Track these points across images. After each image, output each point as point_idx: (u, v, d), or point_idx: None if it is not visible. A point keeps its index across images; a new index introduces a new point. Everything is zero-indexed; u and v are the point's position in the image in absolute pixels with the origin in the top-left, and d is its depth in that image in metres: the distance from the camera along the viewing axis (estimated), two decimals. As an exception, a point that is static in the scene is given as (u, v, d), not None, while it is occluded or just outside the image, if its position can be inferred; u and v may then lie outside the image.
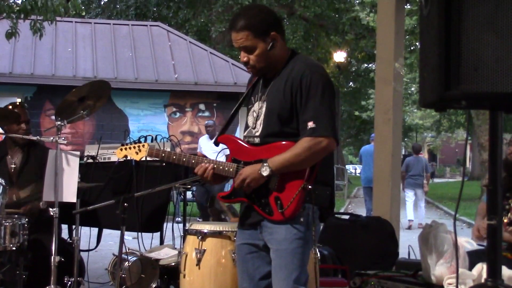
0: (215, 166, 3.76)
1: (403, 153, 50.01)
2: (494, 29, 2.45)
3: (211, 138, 12.60)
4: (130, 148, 4.20)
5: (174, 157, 3.93)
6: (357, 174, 58.90)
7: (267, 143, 3.70)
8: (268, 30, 3.69)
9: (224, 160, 3.87)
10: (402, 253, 6.52)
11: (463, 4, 2.48)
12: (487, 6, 2.46)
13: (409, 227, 15.92)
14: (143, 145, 4.15)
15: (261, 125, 3.75)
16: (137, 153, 4.17)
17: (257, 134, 3.76)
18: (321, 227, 4.01)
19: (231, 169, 3.74)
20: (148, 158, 4.39)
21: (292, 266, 3.62)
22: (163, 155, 3.97)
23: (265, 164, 3.59)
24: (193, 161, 3.85)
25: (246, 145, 3.80)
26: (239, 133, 14.49)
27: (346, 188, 27.11)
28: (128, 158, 5.81)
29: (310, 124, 3.56)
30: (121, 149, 4.25)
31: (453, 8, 2.49)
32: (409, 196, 16.51)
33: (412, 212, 16.35)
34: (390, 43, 6.83)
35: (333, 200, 3.85)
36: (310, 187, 3.56)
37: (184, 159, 3.88)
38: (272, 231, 3.65)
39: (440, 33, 2.52)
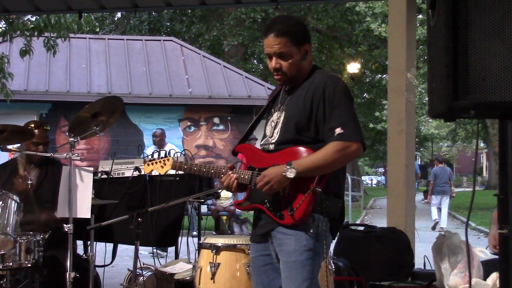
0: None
1: (419, 163, 49.93)
2: (501, 39, 2.45)
3: (159, 148, 11.58)
4: (156, 163, 4.34)
5: (195, 168, 4.05)
6: (373, 185, 58.85)
7: (281, 150, 3.74)
8: (303, 41, 3.77)
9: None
10: (418, 263, 6.49)
11: (470, 14, 2.49)
12: (494, 16, 2.47)
13: (434, 226, 18.04)
14: (167, 159, 4.30)
15: (278, 133, 3.79)
16: (162, 167, 4.33)
17: (273, 141, 3.80)
18: (332, 241, 3.98)
19: (246, 176, 3.79)
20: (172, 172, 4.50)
21: (302, 278, 3.61)
22: (185, 167, 4.12)
23: (289, 166, 3.59)
24: (212, 171, 3.95)
25: (261, 152, 3.86)
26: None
27: (362, 199, 27.04)
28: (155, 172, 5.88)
29: (338, 130, 3.58)
30: (148, 164, 4.41)
31: (460, 19, 2.50)
32: (435, 200, 18.40)
33: (437, 213, 18.35)
34: (402, 54, 6.82)
35: (344, 213, 3.83)
36: (319, 189, 3.56)
37: (204, 170, 4.00)
38: (282, 242, 3.66)
39: (447, 43, 2.52)
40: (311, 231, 3.61)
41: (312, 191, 3.57)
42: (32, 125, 5.96)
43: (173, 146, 11.92)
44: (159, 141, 12.05)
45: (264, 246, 3.82)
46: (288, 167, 3.59)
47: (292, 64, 3.74)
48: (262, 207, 3.78)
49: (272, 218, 3.71)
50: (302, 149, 3.67)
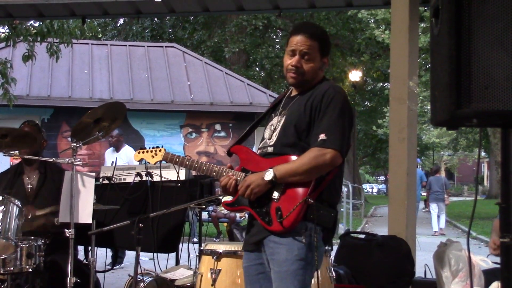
0: (224, 174, 3.83)
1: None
2: (504, 48, 2.46)
3: (116, 150, 11.23)
4: (147, 152, 4.34)
5: (187, 162, 4.05)
6: (374, 193, 58.82)
7: (280, 153, 3.74)
8: (326, 53, 3.85)
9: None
10: (419, 272, 6.48)
11: (473, 23, 2.49)
12: (497, 25, 2.47)
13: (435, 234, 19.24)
14: (159, 150, 4.31)
15: (277, 136, 3.79)
16: (153, 157, 4.34)
17: (271, 144, 3.80)
18: (325, 250, 3.97)
19: (239, 178, 3.78)
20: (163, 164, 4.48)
21: None
22: (177, 160, 4.10)
23: (269, 169, 3.63)
24: (204, 168, 3.94)
25: (257, 156, 3.86)
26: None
27: (363, 207, 27.01)
28: (143, 171, 5.87)
29: (322, 136, 3.59)
30: (139, 152, 4.46)
31: (463, 27, 2.50)
32: (433, 208, 19.75)
33: (436, 222, 19.68)
34: (404, 62, 6.83)
35: (336, 224, 3.81)
36: (311, 201, 3.55)
37: (196, 165, 3.99)
38: (274, 251, 3.64)
39: (450, 52, 2.53)
40: (303, 240, 3.57)
41: (305, 201, 3.57)
42: (26, 129, 6.00)
43: (130, 148, 11.36)
44: (116, 142, 11.31)
45: (257, 255, 3.79)
46: (268, 170, 3.63)
47: (312, 68, 3.78)
48: (250, 209, 3.77)
49: (260, 223, 3.71)
50: (295, 158, 3.67)
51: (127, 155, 10.80)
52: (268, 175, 3.62)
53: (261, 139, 3.95)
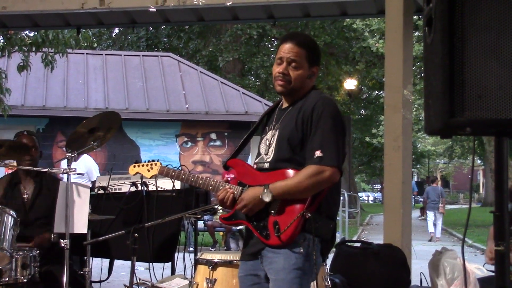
0: (221, 188, 3.82)
1: (416, 179, 49.94)
2: (497, 57, 2.47)
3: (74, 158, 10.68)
4: (142, 166, 4.33)
5: (183, 176, 4.05)
6: (370, 202, 58.78)
7: (276, 168, 3.72)
8: (315, 62, 3.85)
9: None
10: (415, 280, 6.48)
11: (466, 32, 2.50)
12: (490, 34, 2.48)
13: (431, 239, 20.57)
14: (155, 164, 4.30)
15: (273, 152, 3.77)
16: (148, 171, 4.34)
17: (268, 160, 3.79)
18: (322, 262, 3.96)
19: (235, 192, 3.78)
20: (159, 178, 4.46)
21: None
22: (173, 174, 4.11)
23: (266, 189, 3.61)
24: (201, 182, 3.93)
25: (253, 170, 3.85)
26: (250, 162, 14.44)
27: (359, 216, 26.99)
28: (139, 187, 5.85)
29: (318, 153, 3.57)
30: (134, 166, 4.42)
31: (456, 37, 2.51)
32: (430, 215, 21.41)
33: (432, 227, 21.13)
34: (398, 71, 6.83)
35: (335, 235, 3.81)
36: (309, 215, 3.55)
37: (192, 179, 3.98)
38: (272, 261, 3.63)
39: (443, 61, 2.53)
40: (301, 250, 3.57)
41: (302, 215, 3.56)
42: (21, 139, 5.99)
43: (88, 156, 10.87)
44: None
45: (253, 265, 3.78)
46: (265, 190, 3.61)
47: (299, 75, 3.77)
48: (247, 224, 3.77)
49: (258, 238, 3.70)
50: (291, 172, 3.66)
51: (86, 165, 10.52)
52: (266, 196, 3.60)
53: (257, 154, 3.94)
